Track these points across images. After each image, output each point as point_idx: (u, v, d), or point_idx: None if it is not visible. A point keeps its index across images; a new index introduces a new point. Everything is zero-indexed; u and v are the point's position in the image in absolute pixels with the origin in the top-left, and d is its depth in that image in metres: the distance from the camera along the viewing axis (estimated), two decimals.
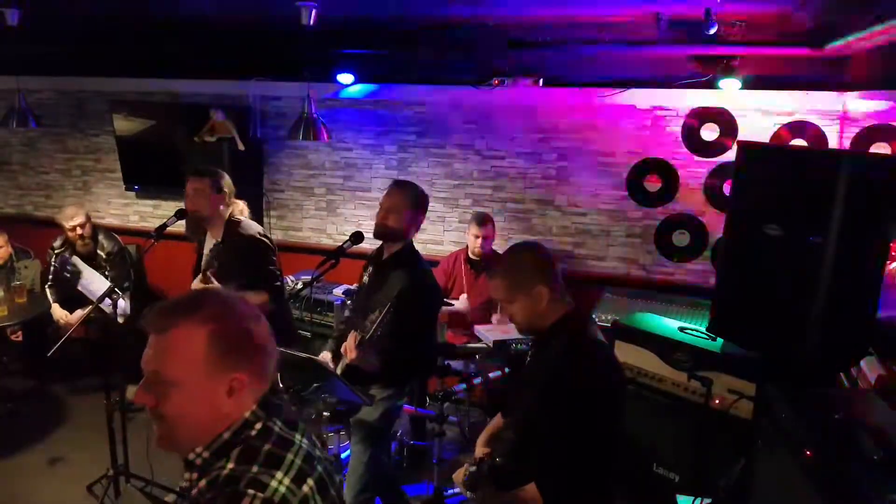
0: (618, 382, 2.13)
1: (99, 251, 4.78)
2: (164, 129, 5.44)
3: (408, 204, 2.92)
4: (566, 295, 2.20)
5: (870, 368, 2.55)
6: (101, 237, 4.85)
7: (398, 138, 5.05)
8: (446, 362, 3.90)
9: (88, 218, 4.80)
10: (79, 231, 4.69)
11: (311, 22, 3.65)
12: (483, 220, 4.40)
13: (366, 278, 3.16)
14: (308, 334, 4.69)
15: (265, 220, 5.39)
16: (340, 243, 3.00)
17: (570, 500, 2.07)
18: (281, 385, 2.46)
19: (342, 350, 2.83)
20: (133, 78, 5.53)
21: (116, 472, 3.62)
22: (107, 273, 4.68)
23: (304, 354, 2.24)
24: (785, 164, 2.30)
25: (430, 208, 5.00)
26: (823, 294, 2.14)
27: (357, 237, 2.93)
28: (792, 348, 2.25)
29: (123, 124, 5.52)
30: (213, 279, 3.24)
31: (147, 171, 5.61)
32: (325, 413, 3.99)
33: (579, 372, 2.03)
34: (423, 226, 5.01)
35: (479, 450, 2.38)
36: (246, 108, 5.17)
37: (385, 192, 3.03)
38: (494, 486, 2.13)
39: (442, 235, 5.10)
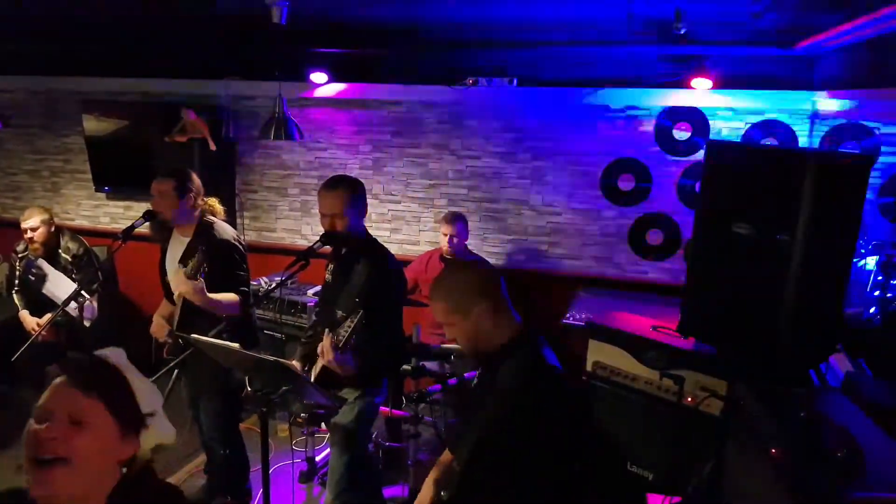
0: (573, 412, 2.01)
1: (64, 254, 4.64)
2: (135, 129, 5.36)
3: (346, 202, 2.86)
4: (514, 314, 2.09)
5: (839, 365, 2.58)
6: (66, 239, 4.72)
7: (373, 138, 5.02)
8: (421, 363, 3.87)
9: (46, 222, 4.54)
10: (29, 234, 4.48)
11: (282, 20, 3.61)
12: (451, 219, 4.39)
13: (328, 276, 3.12)
14: (282, 336, 4.65)
15: (238, 220, 5.34)
16: (311, 244, 2.95)
17: None
18: (250, 389, 2.43)
19: (318, 351, 2.79)
20: (104, 77, 5.44)
21: None
22: (73, 276, 4.59)
23: (271, 358, 2.20)
24: (753, 163, 2.31)
25: (406, 208, 5.07)
26: (792, 292, 2.14)
27: (328, 238, 2.90)
28: (762, 346, 2.25)
29: (93, 124, 5.42)
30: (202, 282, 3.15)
31: (118, 171, 5.52)
32: (302, 415, 3.97)
33: (533, 400, 1.92)
34: (398, 226, 5.09)
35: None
36: (218, 108, 5.11)
37: (319, 196, 2.93)
38: None
39: (418, 235, 5.08)
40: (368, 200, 5.01)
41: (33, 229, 4.48)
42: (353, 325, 2.48)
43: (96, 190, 5.69)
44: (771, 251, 2.19)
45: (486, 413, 2.02)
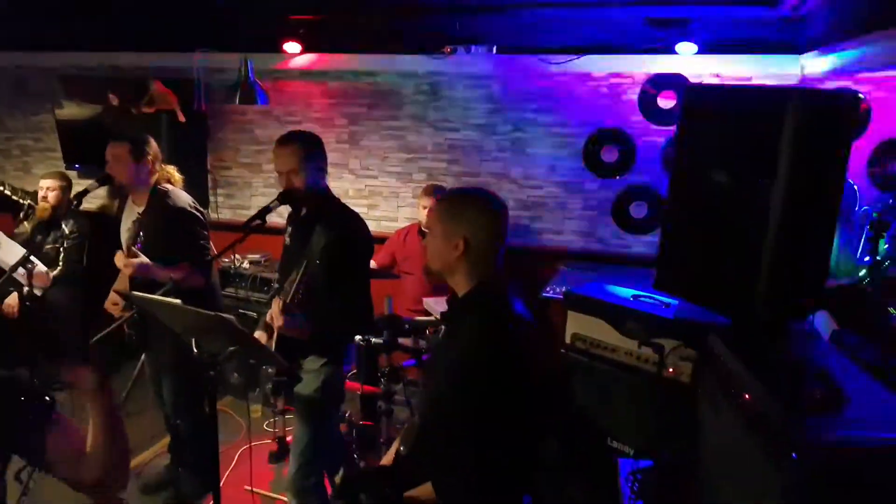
0: (532, 369, 1.86)
1: (64, 226, 4.62)
2: (105, 104, 5.19)
3: (301, 157, 2.69)
4: (494, 266, 1.92)
5: (823, 325, 2.43)
6: (73, 215, 4.69)
7: (349, 111, 4.87)
8: (394, 337, 3.72)
9: (62, 188, 4.65)
10: (43, 192, 4.59)
11: None
12: (431, 191, 4.25)
13: (287, 239, 2.97)
14: (255, 315, 4.49)
15: (211, 198, 5.17)
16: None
17: (470, 501, 1.81)
18: (196, 351, 2.27)
19: (268, 318, 2.64)
20: (74, 52, 5.27)
21: None
22: (60, 250, 4.52)
23: (210, 313, 2.05)
24: (731, 105, 2.15)
25: (383, 183, 4.91)
26: (772, 243, 1.98)
27: (286, 196, 2.74)
28: (740, 301, 2.10)
29: (63, 102, 5.26)
30: (139, 254, 3.06)
31: (88, 148, 5.35)
32: (268, 387, 3.82)
33: (489, 354, 1.78)
34: (375, 202, 4.94)
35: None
36: (190, 81, 4.95)
37: (273, 153, 2.77)
38: (384, 491, 1.88)
39: (396, 211, 4.93)
40: (344, 175, 4.96)
41: (51, 189, 4.59)
42: (297, 279, 2.34)
43: (67, 168, 5.51)
44: (750, 200, 2.04)
45: (445, 367, 1.89)
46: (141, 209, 3.22)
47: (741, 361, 1.60)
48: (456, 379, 1.80)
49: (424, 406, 1.98)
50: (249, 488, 3.37)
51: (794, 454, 1.23)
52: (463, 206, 1.91)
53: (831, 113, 1.98)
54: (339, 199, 2.91)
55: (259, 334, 2.82)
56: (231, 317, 2.06)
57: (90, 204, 5.47)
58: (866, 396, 1.40)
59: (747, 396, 1.45)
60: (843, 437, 1.20)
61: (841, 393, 1.32)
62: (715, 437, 1.81)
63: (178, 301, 2.16)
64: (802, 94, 1.96)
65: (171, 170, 3.34)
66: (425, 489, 1.80)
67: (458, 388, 1.79)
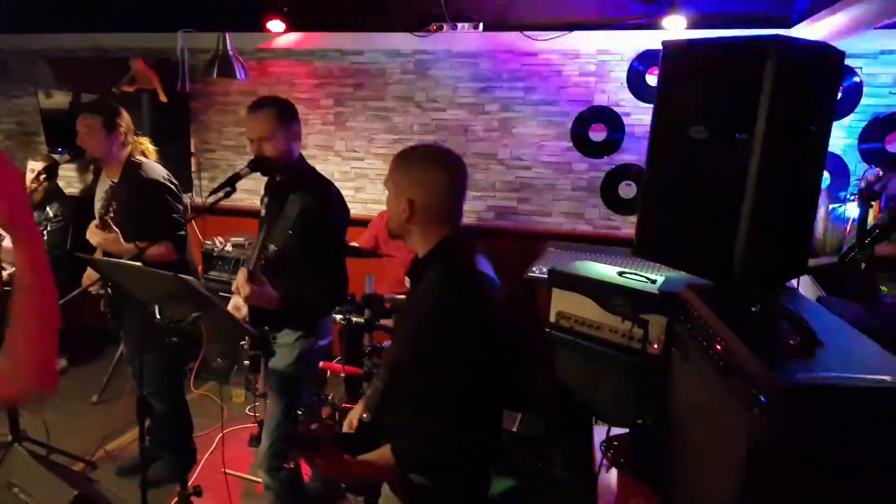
0: (498, 325, 1.78)
1: (49, 209, 4.61)
2: (88, 86, 5.11)
3: (274, 125, 2.60)
4: (452, 226, 1.86)
5: (807, 290, 2.35)
6: (60, 200, 4.67)
7: (334, 91, 4.79)
8: (375, 318, 3.64)
9: (47, 170, 4.35)
10: (34, 175, 4.41)
11: None
12: None
13: (262, 210, 2.90)
14: None
15: (195, 181, 5.09)
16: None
17: (430, 467, 1.75)
18: (159, 317, 2.20)
19: (233, 289, 2.56)
20: (54, 34, 5.19)
21: (15, 439, 3.36)
22: (45, 233, 4.52)
23: (168, 273, 1.96)
24: (710, 59, 2.07)
25: (370, 165, 4.83)
26: (750, 200, 1.90)
27: (257, 163, 2.66)
28: (719, 266, 2.02)
29: (46, 84, 5.19)
30: (111, 224, 2.99)
31: (72, 132, 5.28)
32: (245, 362, 3.76)
33: (450, 307, 1.72)
34: (362, 184, 4.86)
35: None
36: (173, 62, 4.87)
37: (245, 120, 2.68)
38: (341, 451, 1.78)
39: (382, 194, 4.83)
40: (330, 157, 4.88)
41: (42, 172, 4.38)
42: (258, 244, 2.28)
43: (50, 152, 5.44)
44: (731, 157, 1.96)
45: (406, 323, 1.82)
46: (114, 181, 3.15)
47: (714, 311, 1.52)
48: (415, 329, 1.73)
49: (387, 370, 1.91)
50: (224, 470, 3.29)
51: (762, 398, 1.16)
52: (406, 166, 1.84)
53: (813, 62, 1.91)
54: (313, 168, 2.83)
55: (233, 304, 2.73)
56: (191, 278, 1.99)
57: (73, 188, 5.42)
58: (842, 341, 1.32)
59: (719, 347, 1.37)
60: (813, 378, 1.12)
61: (815, 337, 1.25)
62: (685, 391, 1.74)
63: (138, 263, 2.08)
64: (783, 44, 1.87)
65: (145, 141, 3.28)
66: (382, 453, 1.72)
67: (418, 336, 1.72)
